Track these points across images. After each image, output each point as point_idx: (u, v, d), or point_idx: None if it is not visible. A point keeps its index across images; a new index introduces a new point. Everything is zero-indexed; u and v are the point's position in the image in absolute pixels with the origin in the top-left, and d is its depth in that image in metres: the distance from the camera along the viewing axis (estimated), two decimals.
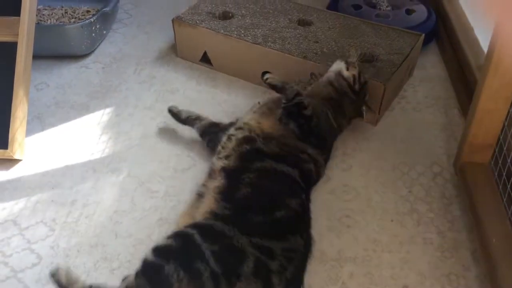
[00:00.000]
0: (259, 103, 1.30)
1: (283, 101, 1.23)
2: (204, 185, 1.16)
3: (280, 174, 1.12)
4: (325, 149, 1.26)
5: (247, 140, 1.17)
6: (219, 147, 1.21)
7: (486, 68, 1.07)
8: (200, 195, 1.14)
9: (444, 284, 1.08)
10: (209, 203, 1.07)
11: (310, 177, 1.18)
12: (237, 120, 1.28)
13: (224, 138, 1.22)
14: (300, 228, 1.05)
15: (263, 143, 1.16)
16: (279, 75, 1.48)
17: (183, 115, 1.41)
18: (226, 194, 1.06)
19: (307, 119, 1.21)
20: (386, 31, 1.65)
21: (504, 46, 1.03)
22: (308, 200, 1.15)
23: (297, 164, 1.15)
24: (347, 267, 1.11)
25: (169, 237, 0.96)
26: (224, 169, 1.13)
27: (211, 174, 1.17)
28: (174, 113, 1.43)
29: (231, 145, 1.18)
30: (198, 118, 1.39)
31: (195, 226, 0.97)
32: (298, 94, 1.23)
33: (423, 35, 1.62)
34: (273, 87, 1.27)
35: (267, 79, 1.28)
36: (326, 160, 1.28)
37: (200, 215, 1.04)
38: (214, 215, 1.02)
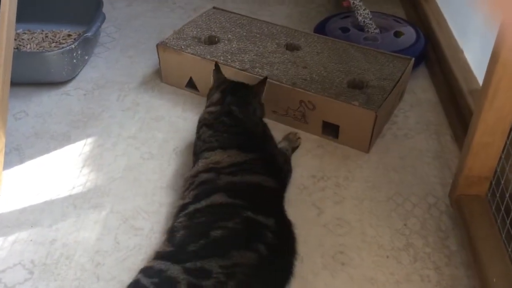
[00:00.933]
0: None
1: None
2: None
3: (208, 208, 1.12)
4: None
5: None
6: None
7: (481, 102, 1.04)
8: None
9: None
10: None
11: (247, 187, 1.16)
12: None
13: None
14: (248, 241, 1.03)
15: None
16: (267, 103, 1.44)
17: None
18: (170, 237, 1.10)
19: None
20: (375, 56, 1.61)
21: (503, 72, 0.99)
22: (262, 213, 1.09)
23: (216, 186, 1.15)
24: None
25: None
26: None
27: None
28: None
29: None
30: None
31: (141, 270, 1.03)
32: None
33: (413, 59, 1.59)
34: None
35: None
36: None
37: None
38: (156, 254, 1.07)
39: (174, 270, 0.99)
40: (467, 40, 1.65)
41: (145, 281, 0.99)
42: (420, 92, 1.69)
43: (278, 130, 1.50)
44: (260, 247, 1.02)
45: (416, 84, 1.72)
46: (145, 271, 1.02)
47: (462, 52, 1.65)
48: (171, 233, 1.10)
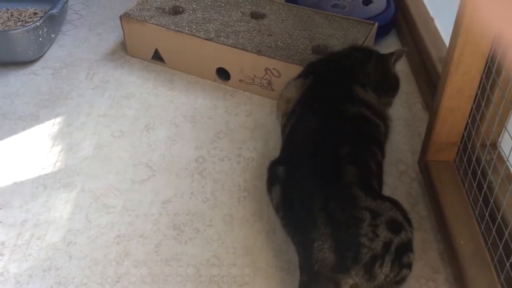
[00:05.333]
0: None
1: None
2: None
3: None
4: None
5: None
6: None
7: (447, 66, 1.04)
8: None
9: None
10: None
11: None
12: None
13: None
14: None
15: None
16: (233, 71, 1.44)
17: None
18: None
19: None
20: (340, 22, 1.62)
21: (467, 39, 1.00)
22: None
23: None
24: None
25: None
26: None
27: None
28: None
29: None
30: None
31: None
32: None
33: (377, 23, 1.60)
34: None
35: None
36: None
37: None
38: None
39: None
40: (438, 7, 1.65)
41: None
42: None
43: (246, 98, 1.49)
44: None
45: None
46: None
47: (432, 20, 1.65)
48: None
